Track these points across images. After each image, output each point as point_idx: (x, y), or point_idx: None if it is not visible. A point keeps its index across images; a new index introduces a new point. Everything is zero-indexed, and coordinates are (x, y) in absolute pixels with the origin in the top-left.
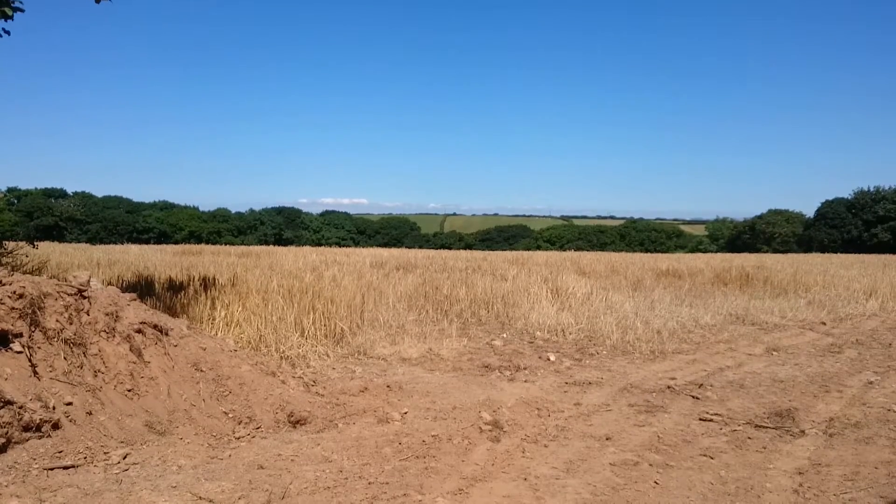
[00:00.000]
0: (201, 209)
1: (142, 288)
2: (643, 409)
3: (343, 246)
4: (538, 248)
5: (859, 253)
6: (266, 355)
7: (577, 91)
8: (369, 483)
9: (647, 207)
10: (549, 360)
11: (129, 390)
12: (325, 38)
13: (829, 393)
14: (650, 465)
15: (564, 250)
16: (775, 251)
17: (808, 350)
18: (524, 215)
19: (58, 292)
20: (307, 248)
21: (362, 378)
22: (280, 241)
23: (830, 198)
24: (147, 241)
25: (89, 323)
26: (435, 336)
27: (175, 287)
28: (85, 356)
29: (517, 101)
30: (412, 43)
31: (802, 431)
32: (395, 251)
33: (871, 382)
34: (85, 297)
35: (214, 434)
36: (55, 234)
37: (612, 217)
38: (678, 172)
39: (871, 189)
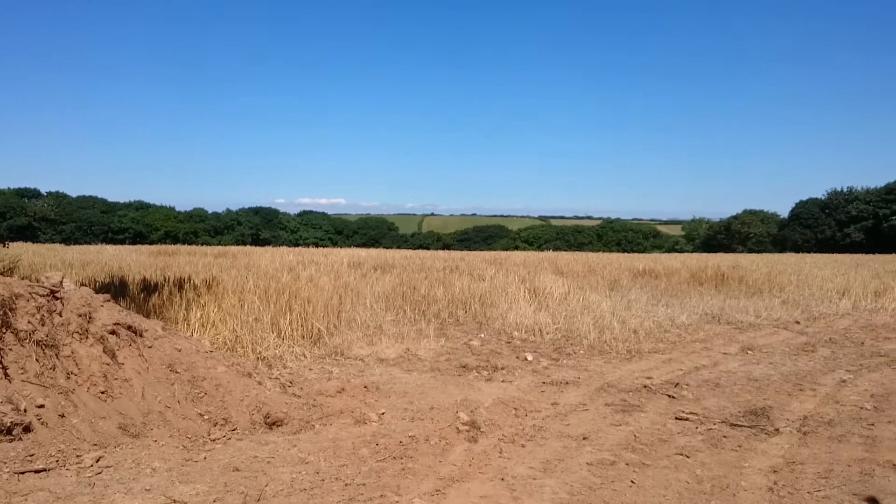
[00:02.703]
0: (178, 209)
1: (116, 289)
2: (620, 409)
3: (321, 246)
4: (516, 248)
5: (833, 252)
6: (242, 356)
7: (554, 92)
8: (346, 484)
9: (624, 208)
10: (526, 359)
11: (102, 392)
12: (303, 37)
13: (803, 391)
14: (627, 464)
15: (542, 250)
16: (750, 251)
17: (783, 349)
18: (502, 215)
19: (30, 293)
20: (284, 249)
21: (339, 379)
22: (257, 241)
23: (804, 198)
24: (122, 242)
25: (62, 324)
26: (412, 336)
27: (150, 288)
28: (57, 358)
29: (495, 102)
30: (389, 42)
31: (777, 430)
32: (372, 251)
33: (843, 381)
34: (58, 299)
35: (189, 436)
36: (28, 234)
37: (589, 217)
38: (655, 173)
39: (844, 190)
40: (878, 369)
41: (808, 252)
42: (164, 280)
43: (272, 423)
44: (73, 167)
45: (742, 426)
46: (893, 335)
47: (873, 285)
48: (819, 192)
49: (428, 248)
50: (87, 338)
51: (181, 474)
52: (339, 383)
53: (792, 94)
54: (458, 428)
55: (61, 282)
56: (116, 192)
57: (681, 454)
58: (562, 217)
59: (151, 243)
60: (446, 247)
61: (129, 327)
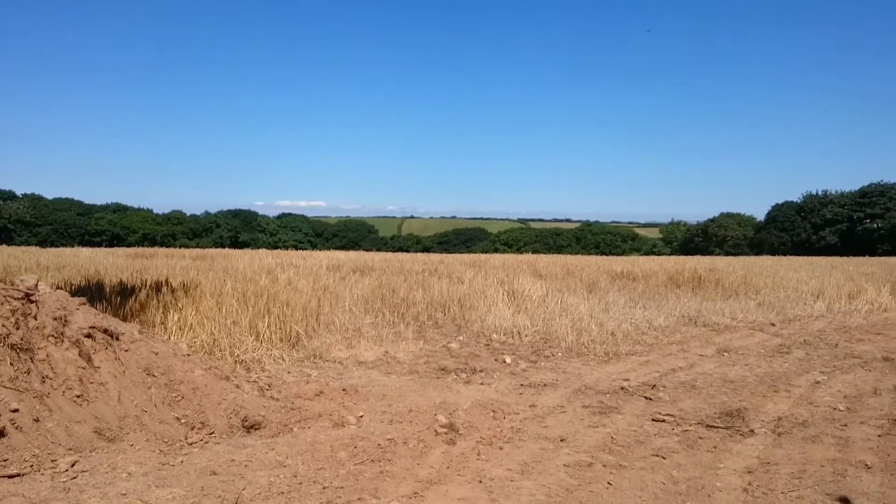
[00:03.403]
0: (155, 211)
1: (92, 292)
2: (597, 411)
3: (300, 249)
4: (495, 250)
5: (808, 255)
6: (220, 359)
7: (534, 94)
8: (324, 488)
9: (603, 210)
10: (505, 362)
11: (78, 396)
12: (280, 38)
13: (778, 393)
14: (604, 465)
15: (521, 253)
16: (727, 254)
17: (758, 351)
18: (482, 218)
19: (4, 297)
20: (263, 251)
21: (318, 382)
22: (236, 243)
23: (780, 201)
24: (99, 245)
25: (37, 328)
26: (391, 339)
27: (127, 291)
28: (32, 362)
29: (474, 104)
30: (369, 44)
31: (752, 431)
32: (352, 254)
33: (817, 382)
34: (32, 302)
35: (166, 440)
36: (3, 237)
37: (568, 220)
38: (633, 176)
39: (819, 193)
40: (851, 371)
41: (784, 255)
42: (142, 283)
43: (250, 427)
44: (50, 169)
45: (717, 427)
46: (866, 337)
47: (847, 288)
48: (795, 196)
49: (407, 251)
50: (62, 341)
51: (157, 478)
52: (317, 386)
53: (768, 98)
54: (436, 430)
55: (36, 285)
56: (93, 194)
57: (657, 455)
58: (541, 220)
59: (129, 246)
60: (426, 249)
61: (105, 331)
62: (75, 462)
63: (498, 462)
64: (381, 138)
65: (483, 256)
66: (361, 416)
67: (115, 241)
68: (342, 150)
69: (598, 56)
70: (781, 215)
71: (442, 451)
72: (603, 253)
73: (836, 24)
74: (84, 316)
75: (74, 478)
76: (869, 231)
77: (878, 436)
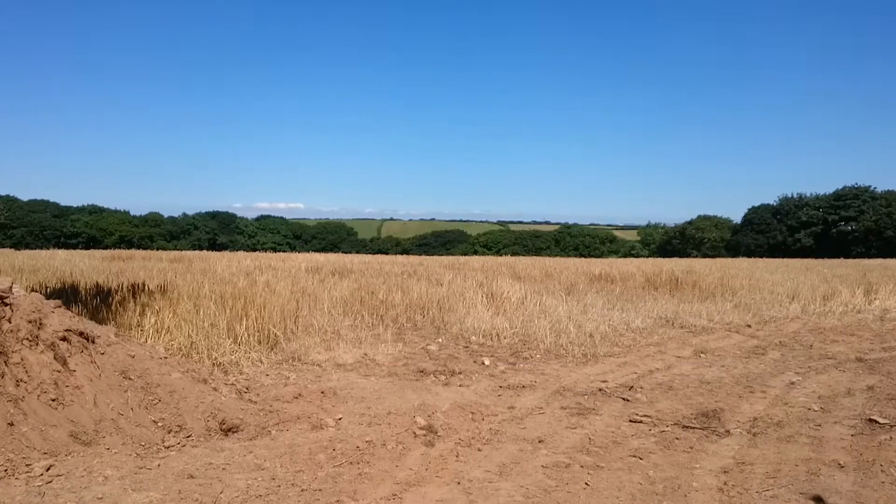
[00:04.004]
0: (132, 213)
1: (67, 294)
2: (575, 412)
3: (278, 251)
4: (475, 252)
5: (784, 257)
6: (198, 362)
7: (511, 97)
8: (302, 490)
9: (582, 213)
10: (483, 364)
11: (53, 400)
12: (257, 38)
13: (754, 393)
14: (581, 466)
15: (500, 255)
16: (704, 256)
17: (734, 352)
18: (461, 220)
19: None
20: (241, 254)
21: (296, 384)
22: (214, 246)
23: (757, 204)
24: (75, 247)
25: (11, 331)
26: (370, 341)
27: (103, 293)
28: (6, 365)
29: (453, 106)
30: (344, 45)
31: (728, 431)
32: (331, 256)
33: (792, 383)
34: (6, 305)
35: (143, 443)
36: None
37: (547, 222)
38: (612, 179)
39: (795, 196)
40: (825, 371)
41: (760, 257)
42: (118, 286)
43: (228, 430)
44: (24, 170)
45: (694, 428)
46: (840, 338)
47: (822, 289)
48: (771, 199)
49: (387, 253)
50: (37, 344)
51: (134, 482)
52: (295, 389)
53: (745, 102)
54: (415, 432)
55: (10, 287)
56: (69, 195)
57: (634, 456)
58: (520, 222)
59: (105, 248)
60: (405, 251)
61: (80, 333)
62: (50, 466)
63: (476, 463)
64: (359, 140)
65: (462, 258)
66: (340, 419)
67: (91, 243)
68: (321, 151)
69: (576, 60)
70: (757, 218)
71: (420, 453)
72: (582, 255)
73: (811, 27)
74: (59, 319)
75: (49, 482)
76: (843, 233)
77: (852, 435)
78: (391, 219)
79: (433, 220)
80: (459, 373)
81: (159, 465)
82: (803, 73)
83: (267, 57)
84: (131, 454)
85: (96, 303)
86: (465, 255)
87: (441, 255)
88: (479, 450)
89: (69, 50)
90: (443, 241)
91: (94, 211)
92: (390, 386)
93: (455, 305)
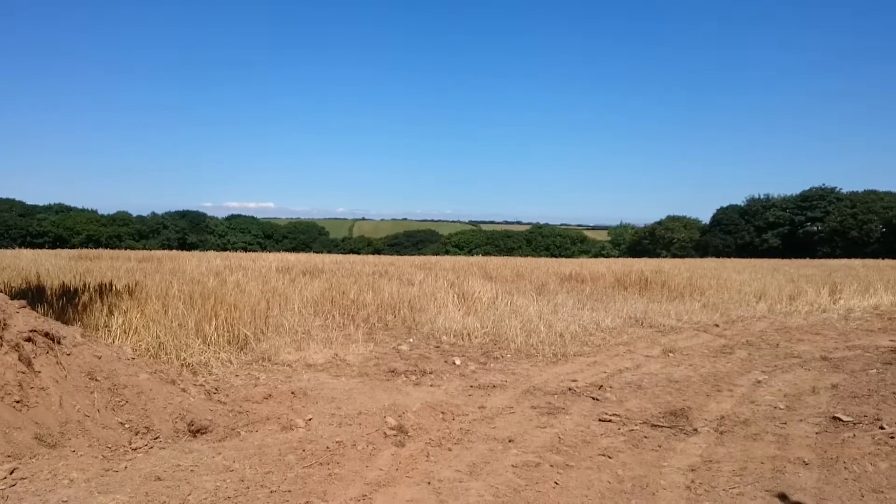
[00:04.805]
0: (100, 212)
1: (33, 294)
2: (545, 411)
3: (249, 251)
4: (447, 252)
5: (751, 257)
6: (166, 363)
7: (483, 97)
8: (271, 491)
9: (553, 213)
10: (454, 364)
11: (17, 402)
12: (227, 36)
13: (721, 392)
14: (551, 465)
15: (472, 255)
16: (674, 256)
17: (702, 351)
18: (433, 220)
19: None
20: (212, 253)
21: (266, 385)
22: (184, 245)
23: (725, 205)
24: (42, 246)
25: None
26: (341, 341)
27: (69, 293)
28: None
29: (424, 106)
30: (316, 44)
31: (695, 430)
32: (302, 256)
33: (759, 381)
34: None
35: (110, 445)
36: None
37: (518, 222)
38: (583, 179)
39: (762, 197)
40: (791, 370)
41: (728, 257)
42: (85, 285)
43: (196, 431)
44: None
45: (662, 427)
46: (806, 337)
47: (788, 289)
48: (739, 199)
49: (358, 253)
50: (1, 346)
51: (100, 485)
52: (265, 389)
53: (713, 104)
54: (385, 433)
55: None
56: (35, 194)
57: (603, 455)
58: (492, 222)
59: (72, 247)
60: (377, 251)
61: (46, 334)
62: (14, 469)
63: (447, 463)
64: (331, 139)
65: (434, 258)
66: (310, 419)
67: (58, 242)
68: (291, 150)
69: (544, 61)
70: (726, 218)
71: (391, 453)
72: (553, 255)
73: (776, 29)
74: (24, 319)
75: (13, 485)
76: (809, 234)
77: (816, 433)
78: (363, 218)
79: (405, 219)
80: (430, 373)
81: (126, 468)
82: (771, 75)
83: (237, 56)
84: (98, 456)
85: (63, 303)
86: (437, 254)
87: (413, 254)
88: (450, 450)
89: (33, 46)
90: (414, 240)
91: (61, 210)
92: (361, 386)
93: (426, 305)
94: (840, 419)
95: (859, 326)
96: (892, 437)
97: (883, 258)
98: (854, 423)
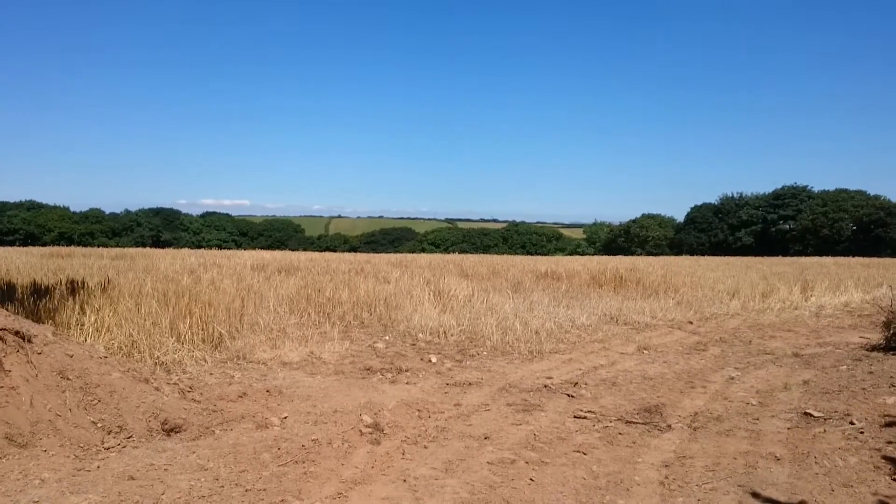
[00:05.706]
0: (72, 209)
1: (3, 293)
2: (521, 409)
3: (224, 248)
4: (423, 250)
5: (725, 255)
6: (139, 361)
7: (459, 95)
8: (246, 490)
9: (529, 211)
10: (430, 361)
11: None
12: (203, 33)
13: (695, 389)
14: (526, 462)
15: (448, 253)
16: (648, 254)
17: (676, 348)
18: (409, 218)
19: None
20: (186, 251)
21: (241, 383)
22: (158, 243)
23: (699, 203)
24: (12, 244)
25: None
26: (317, 339)
27: (40, 291)
28: None
29: (400, 103)
30: (293, 41)
31: (669, 426)
32: (277, 254)
33: (732, 378)
34: None
35: (82, 445)
36: None
37: (494, 220)
38: (558, 178)
39: (736, 195)
40: (763, 367)
41: (702, 255)
42: (57, 283)
43: (170, 430)
44: None
45: (637, 423)
46: (778, 334)
47: (761, 287)
48: (713, 198)
49: (334, 251)
50: None
51: (72, 485)
52: (240, 388)
53: (686, 102)
54: (361, 430)
55: None
56: (6, 191)
57: (578, 451)
58: (468, 220)
59: (44, 245)
60: (353, 249)
61: (16, 333)
62: None
63: (423, 461)
64: (307, 137)
65: (410, 256)
66: (285, 418)
67: (29, 240)
68: (267, 148)
69: (518, 60)
70: (700, 217)
71: (367, 451)
72: (528, 253)
73: (748, 27)
74: None
75: None
76: (782, 232)
77: (788, 429)
78: (339, 216)
79: (381, 217)
80: (406, 370)
81: (99, 467)
82: (744, 74)
83: (212, 53)
84: (69, 456)
85: (34, 301)
86: (413, 252)
87: (389, 252)
88: (426, 447)
89: (5, 43)
90: (391, 238)
91: (32, 207)
92: (337, 384)
93: (402, 303)
94: (811, 415)
95: (830, 323)
96: (861, 433)
97: (853, 256)
98: (825, 419)
